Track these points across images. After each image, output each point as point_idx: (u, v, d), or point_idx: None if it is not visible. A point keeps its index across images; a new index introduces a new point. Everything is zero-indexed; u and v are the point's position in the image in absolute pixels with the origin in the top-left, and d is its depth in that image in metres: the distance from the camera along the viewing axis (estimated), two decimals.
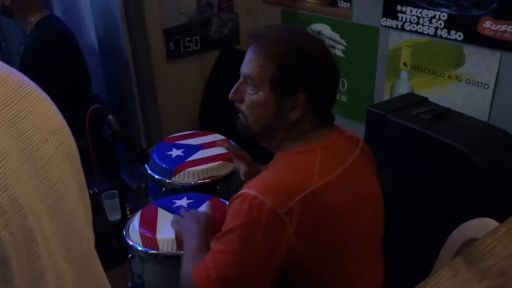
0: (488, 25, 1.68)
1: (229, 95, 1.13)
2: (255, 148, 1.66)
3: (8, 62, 1.98)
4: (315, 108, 1.08)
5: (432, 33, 1.87)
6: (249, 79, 1.08)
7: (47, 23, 2.22)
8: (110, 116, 1.45)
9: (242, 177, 1.56)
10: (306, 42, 1.08)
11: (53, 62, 2.25)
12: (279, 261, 0.98)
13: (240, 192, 1.02)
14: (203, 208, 1.42)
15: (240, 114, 1.14)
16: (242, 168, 1.56)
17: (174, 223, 1.32)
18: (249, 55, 1.09)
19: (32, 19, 2.20)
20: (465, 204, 1.39)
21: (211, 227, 1.25)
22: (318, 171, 1.01)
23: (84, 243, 0.61)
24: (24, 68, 2.25)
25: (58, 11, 2.79)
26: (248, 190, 0.99)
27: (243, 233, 0.97)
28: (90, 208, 0.66)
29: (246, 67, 1.09)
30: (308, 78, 1.05)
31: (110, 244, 1.58)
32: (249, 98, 1.09)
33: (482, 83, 1.77)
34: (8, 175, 0.45)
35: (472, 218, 1.22)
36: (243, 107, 1.12)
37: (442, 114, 1.61)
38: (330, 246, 1.03)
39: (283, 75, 1.04)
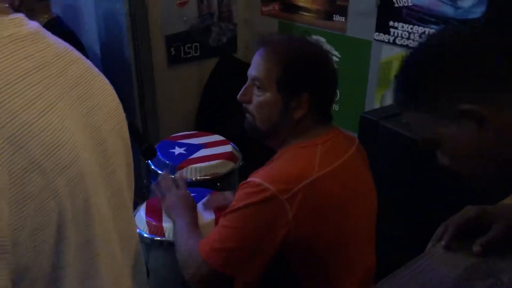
0: None
1: (238, 97, 1.22)
2: (253, 148, 1.75)
3: None
4: (317, 107, 1.19)
5: None
6: (257, 81, 1.18)
7: (55, 24, 2.28)
8: None
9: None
10: (308, 47, 1.20)
11: None
12: (278, 242, 1.07)
13: (248, 179, 1.12)
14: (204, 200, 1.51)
15: (248, 115, 1.23)
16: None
17: (156, 190, 1.43)
18: (256, 59, 1.20)
19: (40, 20, 2.26)
20: (452, 203, 1.50)
21: (193, 206, 1.37)
22: (318, 162, 1.11)
23: (129, 214, 0.69)
24: None
25: (59, 13, 2.85)
26: (254, 178, 1.10)
27: (247, 212, 1.07)
28: (133, 185, 0.74)
29: (254, 70, 1.19)
30: (310, 80, 1.16)
31: None
32: (257, 99, 1.19)
33: None
34: (79, 146, 0.52)
35: None
36: (251, 107, 1.21)
37: None
38: (328, 232, 1.12)
39: (288, 77, 1.15)
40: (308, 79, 1.16)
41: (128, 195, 0.69)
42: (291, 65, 1.15)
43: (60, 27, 2.28)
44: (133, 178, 0.74)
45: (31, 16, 1.93)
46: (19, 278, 0.45)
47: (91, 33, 2.78)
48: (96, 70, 0.65)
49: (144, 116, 2.54)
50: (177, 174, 1.62)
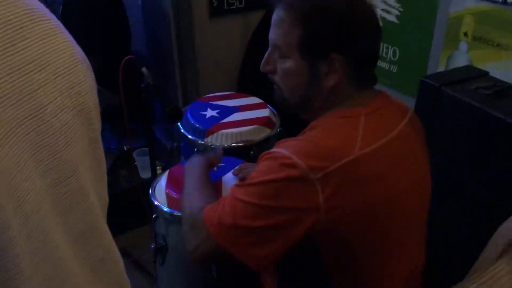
0: None
1: (261, 67, 1.04)
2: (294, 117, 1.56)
3: (51, 11, 1.94)
4: (355, 69, 0.97)
5: (501, 0, 1.67)
6: (275, 47, 1.00)
7: None
8: (144, 69, 1.38)
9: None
10: None
11: (94, 14, 2.21)
12: (303, 229, 0.89)
13: (273, 149, 0.94)
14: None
15: (275, 86, 1.05)
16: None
17: None
18: (274, 20, 1.00)
19: None
20: None
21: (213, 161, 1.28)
22: (362, 138, 0.91)
23: (88, 204, 0.53)
24: (65, 17, 2.22)
25: None
26: (282, 149, 0.92)
27: (270, 190, 0.90)
28: (103, 166, 0.57)
29: (273, 34, 1.00)
30: (339, 36, 0.94)
31: (140, 201, 1.55)
32: (280, 67, 1.01)
33: None
34: None
35: None
36: (276, 78, 1.03)
37: (505, 90, 1.45)
38: (366, 223, 0.94)
39: (310, 37, 0.94)
40: (336, 36, 0.94)
41: (86, 177, 0.53)
42: (311, 22, 0.94)
43: None
44: (102, 155, 0.57)
45: None
46: None
47: None
48: (44, 15, 0.47)
49: (183, 72, 2.39)
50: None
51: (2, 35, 0.41)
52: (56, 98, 0.46)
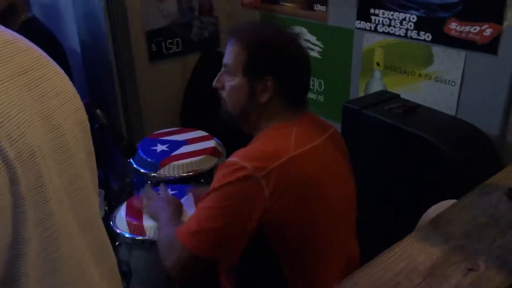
0: (454, 26, 1.80)
1: (213, 84, 1.26)
2: (238, 143, 1.73)
3: None
4: (284, 91, 1.20)
5: (403, 34, 1.98)
6: (226, 67, 1.23)
7: (31, 24, 2.24)
8: (98, 111, 1.50)
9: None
10: (274, 33, 1.24)
11: None
12: (255, 221, 1.07)
13: (226, 160, 1.14)
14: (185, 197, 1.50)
15: (222, 101, 1.27)
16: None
17: (146, 210, 1.44)
18: (227, 48, 1.24)
19: (18, 20, 2.21)
20: (436, 191, 1.49)
21: (178, 204, 1.39)
22: (294, 143, 1.13)
23: (89, 203, 0.67)
24: None
25: (38, 13, 2.81)
26: (231, 158, 1.12)
27: (224, 192, 1.08)
28: (96, 173, 0.71)
29: (225, 57, 1.24)
30: (274, 63, 1.18)
31: None
32: (227, 84, 1.23)
33: (449, 81, 1.88)
34: (26, 124, 0.51)
35: None
36: (224, 93, 1.25)
37: (412, 108, 1.72)
38: (304, 212, 1.12)
39: (252, 60, 1.18)
40: (272, 62, 1.18)
41: (90, 181, 0.67)
42: (254, 49, 1.19)
43: (38, 26, 2.23)
44: (95, 165, 0.72)
45: (13, 13, 1.86)
46: None
47: (71, 32, 2.74)
48: (49, 59, 0.63)
49: (127, 114, 2.51)
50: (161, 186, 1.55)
51: (30, 74, 0.57)
52: (68, 117, 0.61)
